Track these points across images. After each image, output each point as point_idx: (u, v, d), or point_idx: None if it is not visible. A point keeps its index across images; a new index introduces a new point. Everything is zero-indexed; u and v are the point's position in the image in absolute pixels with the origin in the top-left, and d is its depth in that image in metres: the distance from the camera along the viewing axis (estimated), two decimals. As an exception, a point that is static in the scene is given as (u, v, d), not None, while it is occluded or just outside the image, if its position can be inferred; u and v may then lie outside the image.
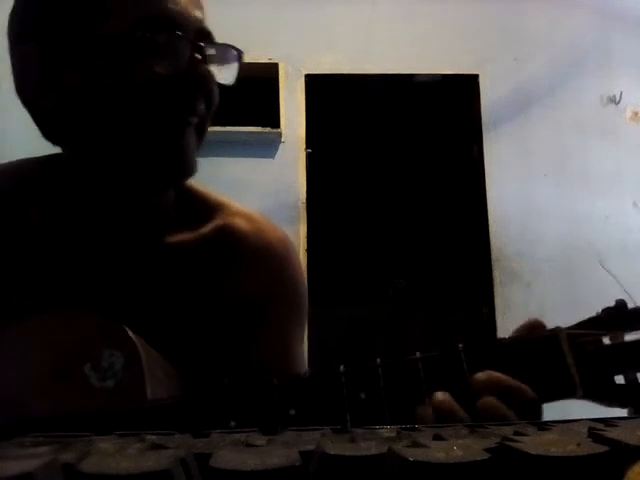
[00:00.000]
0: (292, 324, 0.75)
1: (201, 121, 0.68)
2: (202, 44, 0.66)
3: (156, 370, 0.56)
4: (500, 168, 3.21)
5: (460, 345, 0.52)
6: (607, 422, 0.33)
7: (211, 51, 0.68)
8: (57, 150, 0.73)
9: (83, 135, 0.68)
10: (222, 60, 0.70)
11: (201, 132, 0.69)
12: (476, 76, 3.29)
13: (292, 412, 0.50)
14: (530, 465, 0.24)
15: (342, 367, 0.52)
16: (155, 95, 0.63)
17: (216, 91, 0.68)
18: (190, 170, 0.68)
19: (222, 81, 0.69)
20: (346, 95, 3.70)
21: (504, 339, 0.51)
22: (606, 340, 0.50)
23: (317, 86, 3.26)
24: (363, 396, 0.51)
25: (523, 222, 3.16)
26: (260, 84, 3.12)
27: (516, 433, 0.30)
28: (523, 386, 0.49)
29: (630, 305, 0.51)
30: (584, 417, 0.36)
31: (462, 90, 3.38)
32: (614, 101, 3.30)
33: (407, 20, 3.32)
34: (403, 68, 3.29)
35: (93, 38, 0.64)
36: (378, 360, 0.52)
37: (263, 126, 3.12)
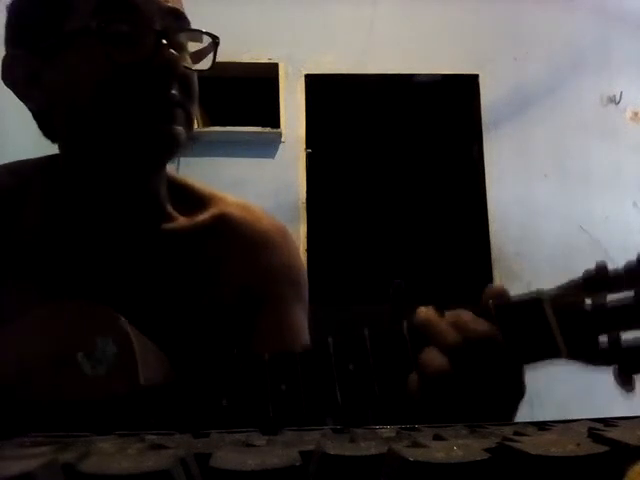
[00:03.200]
0: (293, 310, 0.75)
1: (182, 105, 0.66)
2: (166, 29, 0.64)
3: (149, 357, 0.56)
4: (500, 168, 3.20)
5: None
6: (607, 422, 0.33)
7: (182, 36, 0.66)
8: (55, 149, 0.73)
9: (67, 129, 0.69)
10: (197, 46, 0.68)
11: (187, 116, 0.67)
12: (476, 76, 3.28)
13: (283, 387, 0.50)
14: (530, 465, 0.24)
15: (330, 339, 0.52)
16: (121, 84, 0.63)
17: (191, 75, 0.67)
18: (171, 151, 0.66)
19: (198, 67, 0.68)
20: (346, 95, 3.70)
21: (488, 304, 0.51)
22: (588, 302, 0.50)
23: (317, 86, 3.25)
24: (352, 367, 0.51)
25: (523, 222, 3.16)
26: (260, 84, 3.12)
27: (516, 433, 0.30)
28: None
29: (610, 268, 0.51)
30: (584, 417, 0.36)
31: (462, 90, 3.38)
32: (614, 101, 3.30)
33: (407, 20, 3.32)
34: (403, 68, 3.28)
35: (59, 35, 0.64)
36: (366, 331, 0.52)
37: (263, 126, 3.11)
